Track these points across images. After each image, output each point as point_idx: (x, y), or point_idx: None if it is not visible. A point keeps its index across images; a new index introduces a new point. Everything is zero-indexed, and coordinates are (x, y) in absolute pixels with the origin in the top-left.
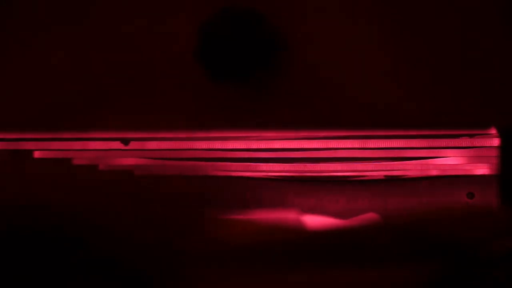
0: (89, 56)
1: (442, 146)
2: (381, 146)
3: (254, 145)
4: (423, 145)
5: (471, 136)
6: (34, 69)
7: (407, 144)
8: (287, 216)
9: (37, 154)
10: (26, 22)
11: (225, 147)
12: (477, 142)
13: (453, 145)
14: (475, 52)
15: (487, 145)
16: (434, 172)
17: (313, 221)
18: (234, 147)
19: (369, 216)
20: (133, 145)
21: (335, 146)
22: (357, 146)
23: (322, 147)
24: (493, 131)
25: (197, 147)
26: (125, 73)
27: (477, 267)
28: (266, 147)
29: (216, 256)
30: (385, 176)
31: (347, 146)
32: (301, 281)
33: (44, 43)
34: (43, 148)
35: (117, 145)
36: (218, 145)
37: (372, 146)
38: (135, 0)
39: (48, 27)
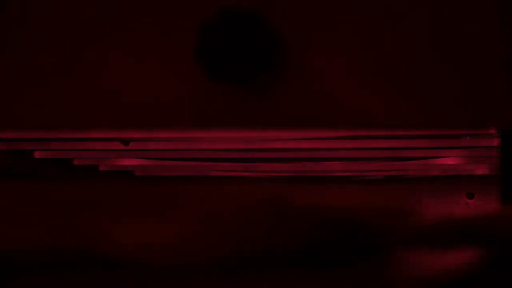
0: (89, 55)
1: (442, 146)
2: (381, 146)
3: (254, 145)
4: (423, 145)
5: (471, 136)
6: (35, 68)
7: (407, 144)
8: None
9: (37, 155)
10: (39, 25)
11: (225, 147)
12: (477, 142)
13: (453, 145)
14: (475, 52)
15: (487, 145)
16: (434, 172)
17: None
18: (234, 147)
19: None
20: (133, 145)
21: (335, 146)
22: (357, 146)
23: (322, 147)
24: (493, 131)
25: (197, 147)
26: (124, 73)
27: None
28: (266, 147)
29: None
30: (385, 176)
31: (347, 146)
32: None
33: (45, 42)
34: (43, 148)
35: (117, 145)
36: (218, 145)
37: (372, 146)
38: (133, 0)
39: (54, 28)
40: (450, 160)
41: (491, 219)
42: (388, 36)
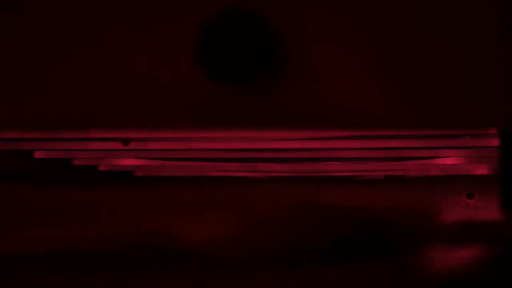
0: (89, 55)
1: (442, 146)
2: (381, 146)
3: (254, 145)
4: (423, 145)
5: (471, 136)
6: (35, 68)
7: (407, 144)
8: None
9: (37, 155)
10: (39, 25)
11: (225, 147)
12: (477, 142)
13: (453, 145)
14: (475, 52)
15: (487, 145)
16: (434, 172)
17: None
18: (234, 147)
19: None
20: (133, 145)
21: (335, 146)
22: (357, 146)
23: (322, 147)
24: (493, 131)
25: (197, 147)
26: (124, 73)
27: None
28: (266, 147)
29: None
30: (385, 176)
31: (347, 146)
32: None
33: (46, 44)
34: (43, 148)
35: (117, 145)
36: (218, 145)
37: (372, 146)
38: (133, 0)
39: (54, 28)
40: (450, 160)
41: (491, 219)
42: (388, 36)
